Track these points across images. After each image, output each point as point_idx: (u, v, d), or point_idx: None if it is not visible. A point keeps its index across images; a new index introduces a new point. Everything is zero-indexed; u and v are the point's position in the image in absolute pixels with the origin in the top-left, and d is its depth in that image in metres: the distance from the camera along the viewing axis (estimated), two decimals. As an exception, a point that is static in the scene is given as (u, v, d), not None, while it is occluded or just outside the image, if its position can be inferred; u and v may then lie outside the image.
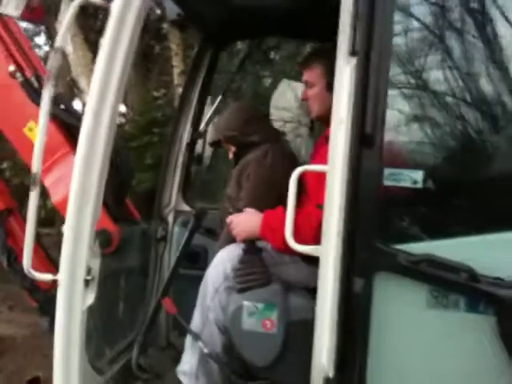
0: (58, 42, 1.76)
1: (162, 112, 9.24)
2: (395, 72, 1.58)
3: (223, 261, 2.00)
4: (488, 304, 1.48)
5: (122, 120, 10.75)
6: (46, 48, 11.69)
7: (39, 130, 1.73)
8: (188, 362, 2.05)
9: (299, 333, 1.77)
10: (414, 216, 1.63)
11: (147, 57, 9.78)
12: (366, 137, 1.50)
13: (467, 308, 1.51)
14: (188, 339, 2.07)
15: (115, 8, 1.73)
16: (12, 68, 2.43)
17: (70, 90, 10.35)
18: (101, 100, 1.72)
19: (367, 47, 1.50)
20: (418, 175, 1.58)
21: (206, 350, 1.90)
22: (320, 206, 1.66)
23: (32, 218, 1.73)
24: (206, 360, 1.99)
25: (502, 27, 1.56)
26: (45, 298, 2.61)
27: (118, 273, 2.38)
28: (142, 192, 8.86)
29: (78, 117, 2.56)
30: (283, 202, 2.05)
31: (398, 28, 1.58)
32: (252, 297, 1.82)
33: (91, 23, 9.67)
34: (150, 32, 9.62)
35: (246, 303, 1.80)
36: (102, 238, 2.30)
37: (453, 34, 1.61)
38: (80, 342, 1.70)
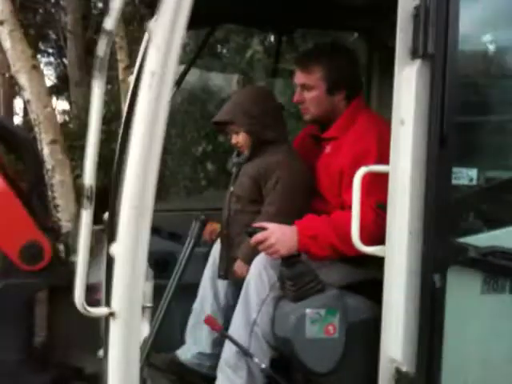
0: (109, 25, 1.49)
1: (107, 108, 8.92)
2: (465, 73, 1.61)
3: (266, 270, 1.89)
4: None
5: (66, 117, 10.30)
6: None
7: (91, 133, 1.54)
8: (231, 382, 1.89)
9: (359, 333, 1.77)
10: (478, 210, 1.68)
11: (90, 52, 9.38)
12: (435, 138, 1.52)
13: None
14: (227, 357, 1.91)
15: None
16: None
17: (10, 87, 9.78)
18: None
19: (437, 49, 1.51)
20: (473, 173, 1.65)
21: (263, 366, 1.81)
22: (381, 206, 1.67)
23: (85, 243, 1.46)
24: (253, 377, 1.87)
25: None
26: None
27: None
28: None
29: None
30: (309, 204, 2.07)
31: (467, 28, 1.59)
32: (313, 304, 1.75)
33: (30, 18, 9.16)
34: (91, 26, 9.27)
35: (308, 311, 1.73)
36: (32, 251, 2.15)
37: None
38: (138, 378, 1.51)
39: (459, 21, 1.54)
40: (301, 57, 2.25)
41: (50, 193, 6.22)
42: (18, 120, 11.23)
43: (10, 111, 10.40)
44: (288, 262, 1.79)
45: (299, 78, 2.14)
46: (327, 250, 1.86)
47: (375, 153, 1.83)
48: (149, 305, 1.57)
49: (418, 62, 1.56)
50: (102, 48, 1.44)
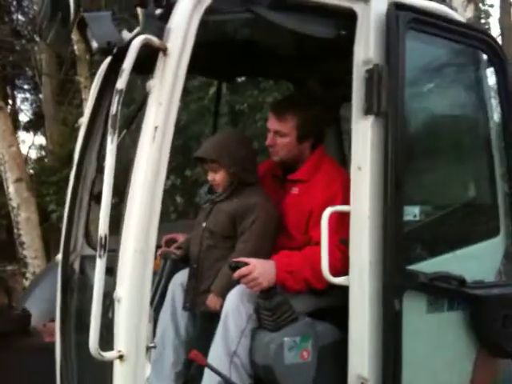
0: (121, 84, 1.63)
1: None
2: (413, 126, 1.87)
3: (243, 302, 1.96)
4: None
5: (42, 152, 10.33)
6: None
7: (105, 184, 1.59)
8: None
9: (328, 356, 1.94)
10: (421, 241, 1.93)
11: (64, 89, 9.52)
12: (391, 182, 1.76)
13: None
14: None
15: (175, 48, 1.67)
16: None
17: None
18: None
19: (389, 107, 1.75)
20: (416, 210, 1.90)
21: None
22: (343, 241, 1.88)
23: (99, 293, 1.50)
24: None
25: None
26: None
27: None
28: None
29: None
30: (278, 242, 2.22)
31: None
32: (290, 332, 1.88)
33: (7, 56, 9.26)
34: (65, 64, 9.41)
35: (286, 339, 1.86)
36: None
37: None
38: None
39: (406, 82, 1.80)
40: (277, 105, 2.38)
41: (15, 230, 6.26)
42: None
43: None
44: (268, 294, 1.92)
45: (273, 124, 2.24)
46: (301, 283, 2.00)
47: (341, 196, 2.01)
48: (152, 345, 1.66)
49: (371, 118, 1.80)
50: (114, 106, 1.60)
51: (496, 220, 2.10)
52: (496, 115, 2.07)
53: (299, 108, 2.24)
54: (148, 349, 1.60)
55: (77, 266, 2.43)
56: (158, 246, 2.10)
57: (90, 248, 2.43)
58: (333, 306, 1.99)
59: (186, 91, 7.62)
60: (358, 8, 1.85)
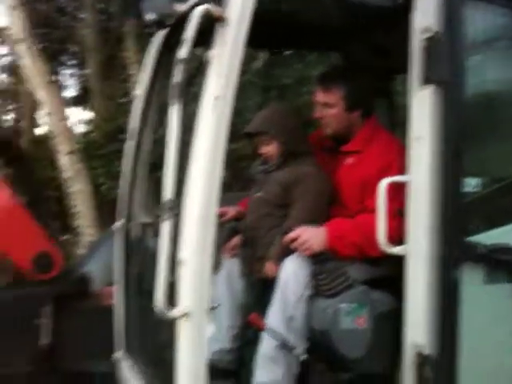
0: (184, 53, 1.71)
1: (127, 118, 9.20)
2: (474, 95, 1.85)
3: (301, 269, 2.05)
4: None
5: (89, 127, 10.61)
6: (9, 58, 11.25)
7: (171, 152, 1.70)
8: (271, 373, 2.02)
9: (384, 324, 2.00)
10: (481, 212, 1.93)
11: (109, 64, 9.69)
12: (451, 152, 1.76)
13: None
14: (266, 351, 2.04)
15: (234, 18, 1.71)
16: None
17: (32, 100, 10.08)
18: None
19: (449, 76, 1.75)
20: (475, 181, 1.90)
21: (303, 357, 2.00)
22: (400, 211, 1.91)
23: (165, 254, 1.63)
24: (290, 367, 2.03)
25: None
26: None
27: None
28: (112, 199, 8.83)
29: None
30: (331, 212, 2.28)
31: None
32: (346, 299, 1.98)
33: (51, 33, 9.48)
34: (110, 39, 9.56)
35: (342, 306, 1.95)
36: (45, 261, 2.34)
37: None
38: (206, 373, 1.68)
39: (466, 51, 1.79)
40: (322, 77, 2.41)
41: (69, 201, 6.52)
42: (40, 131, 11.55)
43: (33, 123, 10.74)
44: (320, 259, 2.03)
45: (320, 96, 2.31)
46: (352, 249, 2.07)
47: (397, 166, 2.04)
48: (214, 305, 1.77)
49: (431, 88, 1.80)
50: (178, 75, 1.69)
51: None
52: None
53: (345, 78, 2.29)
54: (210, 309, 1.68)
55: (135, 232, 2.53)
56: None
57: (148, 216, 2.53)
58: (389, 276, 2.03)
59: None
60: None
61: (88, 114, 10.98)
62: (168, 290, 1.67)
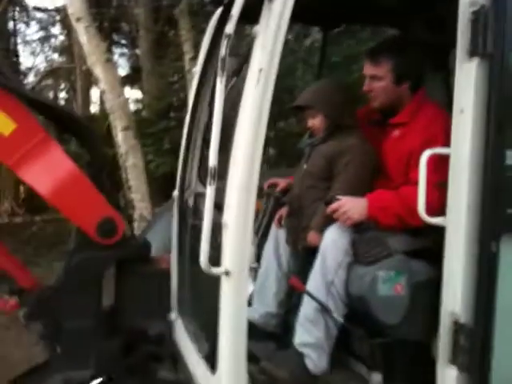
0: (229, 29, 1.81)
1: (177, 97, 9.41)
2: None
3: (341, 237, 2.16)
4: None
5: (139, 106, 10.90)
6: (62, 37, 11.72)
7: (215, 122, 1.81)
8: (311, 335, 2.14)
9: (422, 292, 2.07)
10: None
11: (160, 43, 9.88)
12: (493, 125, 1.78)
13: None
14: (307, 313, 2.17)
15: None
16: None
17: (86, 78, 10.47)
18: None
19: (495, 49, 1.76)
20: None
21: (340, 320, 2.10)
22: (441, 183, 1.94)
23: (209, 215, 1.77)
24: (329, 330, 2.14)
25: None
26: (35, 300, 2.51)
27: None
28: (161, 176, 9.10)
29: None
30: (376, 184, 2.34)
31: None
32: (384, 267, 2.05)
33: (104, 12, 9.74)
34: (162, 19, 9.74)
35: (380, 273, 2.03)
36: (108, 226, 2.41)
37: None
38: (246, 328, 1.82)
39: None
40: (371, 50, 2.47)
41: (124, 175, 6.77)
42: (94, 109, 11.98)
43: (87, 101, 11.14)
44: (359, 228, 2.12)
45: (369, 69, 2.38)
46: (393, 219, 2.14)
47: (442, 138, 2.08)
48: (254, 265, 1.89)
49: (476, 60, 1.82)
50: (223, 49, 1.79)
51: None
52: None
53: (393, 51, 2.34)
54: (250, 268, 1.79)
55: (191, 201, 2.71)
56: (260, 189, 2.32)
57: (202, 186, 2.66)
58: (428, 247, 2.08)
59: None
60: None
61: (138, 93, 11.26)
62: (214, 251, 1.79)
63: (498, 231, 1.83)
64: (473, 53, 1.83)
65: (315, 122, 2.45)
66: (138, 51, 10.72)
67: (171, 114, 9.33)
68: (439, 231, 1.93)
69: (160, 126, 9.29)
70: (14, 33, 12.85)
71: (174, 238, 2.74)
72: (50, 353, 2.63)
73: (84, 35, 6.27)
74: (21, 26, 12.83)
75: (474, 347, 1.84)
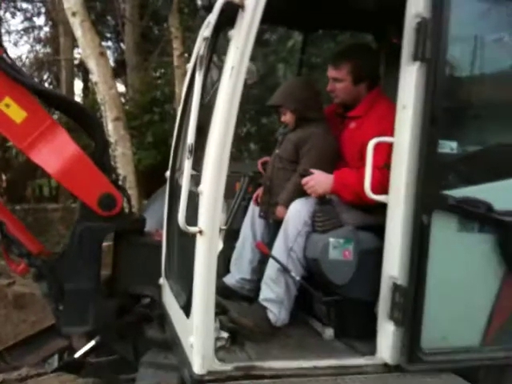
0: (207, 33, 2.20)
1: (161, 91, 9.75)
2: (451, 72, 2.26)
3: (301, 210, 2.53)
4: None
5: (122, 99, 11.16)
6: (47, 29, 11.92)
7: (193, 108, 2.16)
8: (273, 291, 2.53)
9: (367, 258, 2.45)
10: (456, 171, 2.34)
11: (146, 38, 10.19)
12: (427, 118, 2.18)
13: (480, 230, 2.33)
14: (270, 273, 2.55)
15: (250, 5, 2.14)
16: None
17: (71, 70, 10.71)
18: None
19: (432, 55, 2.16)
20: (453, 144, 2.30)
21: (297, 278, 2.48)
22: (386, 166, 2.33)
23: (186, 182, 2.15)
24: (289, 288, 2.53)
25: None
26: (42, 263, 2.95)
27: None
28: (144, 168, 9.40)
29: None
30: (336, 167, 2.72)
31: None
32: (335, 235, 2.44)
33: (91, 5, 10.01)
34: (147, 14, 10.05)
35: (331, 240, 2.42)
36: (108, 200, 2.85)
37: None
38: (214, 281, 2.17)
39: (448, 35, 2.19)
40: (334, 55, 2.88)
41: (112, 163, 7.08)
42: (78, 100, 12.19)
43: (70, 92, 11.39)
44: (321, 201, 2.52)
45: (331, 72, 2.78)
46: (352, 195, 2.50)
47: (391, 131, 2.39)
48: (223, 227, 2.26)
49: (417, 64, 2.22)
50: (202, 50, 2.19)
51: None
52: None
53: (351, 56, 2.76)
54: (220, 230, 2.18)
55: (181, 181, 3.02)
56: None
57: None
58: (376, 223, 2.47)
59: (265, 43, 8.14)
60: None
61: (121, 87, 11.52)
62: (191, 215, 2.15)
63: (430, 207, 2.23)
64: (415, 57, 2.23)
65: (286, 117, 2.87)
66: (122, 45, 11.00)
67: (154, 109, 9.63)
68: (385, 209, 2.32)
69: (143, 120, 9.60)
70: (-1, 22, 13.04)
71: (165, 213, 3.14)
72: (52, 310, 3.05)
73: (79, 29, 6.57)
74: (5, 16, 13.02)
75: (408, 304, 2.24)
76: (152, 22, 9.92)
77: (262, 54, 7.87)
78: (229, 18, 2.21)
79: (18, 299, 4.96)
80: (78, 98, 12.43)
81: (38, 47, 13.44)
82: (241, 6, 2.16)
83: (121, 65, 11.35)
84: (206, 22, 2.68)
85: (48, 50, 12.80)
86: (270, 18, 2.27)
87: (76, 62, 11.20)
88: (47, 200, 10.14)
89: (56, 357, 3.36)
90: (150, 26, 9.95)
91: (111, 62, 12.29)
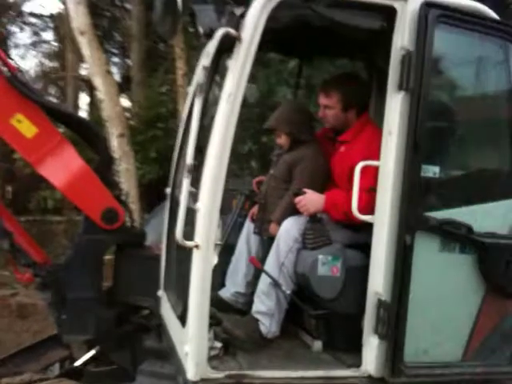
0: (206, 62, 2.38)
1: (165, 107, 9.96)
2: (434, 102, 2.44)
3: (293, 227, 2.69)
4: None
5: (127, 115, 11.39)
6: (54, 43, 12.20)
7: (192, 130, 2.35)
8: (264, 304, 2.67)
9: (354, 274, 2.60)
10: (438, 194, 2.51)
11: (151, 55, 10.42)
12: (411, 144, 2.35)
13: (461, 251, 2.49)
14: (262, 287, 2.70)
15: (246, 38, 2.32)
16: None
17: (76, 86, 10.95)
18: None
19: (415, 85, 2.33)
20: (436, 169, 2.46)
21: (288, 292, 2.65)
22: (372, 188, 2.49)
23: (184, 199, 2.30)
24: (280, 302, 2.67)
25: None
26: (47, 273, 3.08)
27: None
28: (147, 183, 9.57)
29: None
30: (327, 188, 2.89)
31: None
32: (324, 252, 2.60)
33: (98, 21, 10.27)
34: (153, 32, 10.30)
35: (320, 256, 2.57)
36: (111, 214, 3.03)
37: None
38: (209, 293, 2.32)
39: (431, 66, 2.37)
40: (324, 84, 3.05)
41: (116, 178, 7.25)
42: (83, 115, 12.44)
43: (76, 106, 11.64)
44: (312, 219, 2.68)
45: (322, 100, 2.94)
46: (342, 215, 2.67)
47: (378, 156, 2.54)
48: (219, 242, 2.41)
49: (402, 93, 2.39)
50: (201, 77, 2.38)
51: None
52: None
53: (341, 85, 2.94)
54: (216, 245, 2.33)
55: (180, 198, 3.21)
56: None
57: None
58: (364, 242, 2.62)
59: (266, 65, 8.36)
60: (397, 5, 2.43)
61: (126, 102, 11.74)
62: (188, 230, 2.31)
63: (413, 228, 2.38)
64: (400, 87, 2.41)
65: (281, 139, 3.06)
66: (128, 61, 11.25)
67: (158, 124, 9.83)
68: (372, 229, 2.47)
69: (147, 135, 9.79)
70: (7, 36, 13.33)
71: (164, 228, 3.30)
72: (55, 319, 3.20)
73: (87, 48, 6.79)
74: (14, 30, 13.33)
75: (391, 319, 2.38)
76: (158, 40, 10.14)
77: (264, 74, 8.08)
78: (227, 46, 2.39)
79: (21, 309, 5.15)
80: (83, 113, 12.70)
81: (45, 61, 13.77)
82: (238, 39, 2.34)
83: (127, 80, 11.58)
84: (205, 52, 2.87)
85: (55, 64, 13.11)
86: (265, 47, 2.47)
87: (82, 77, 11.45)
88: (51, 212, 10.30)
89: (57, 365, 3.50)
90: (155, 43, 10.17)
91: (117, 78, 12.58)
